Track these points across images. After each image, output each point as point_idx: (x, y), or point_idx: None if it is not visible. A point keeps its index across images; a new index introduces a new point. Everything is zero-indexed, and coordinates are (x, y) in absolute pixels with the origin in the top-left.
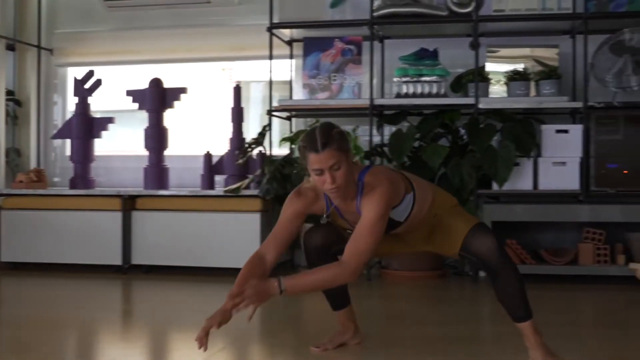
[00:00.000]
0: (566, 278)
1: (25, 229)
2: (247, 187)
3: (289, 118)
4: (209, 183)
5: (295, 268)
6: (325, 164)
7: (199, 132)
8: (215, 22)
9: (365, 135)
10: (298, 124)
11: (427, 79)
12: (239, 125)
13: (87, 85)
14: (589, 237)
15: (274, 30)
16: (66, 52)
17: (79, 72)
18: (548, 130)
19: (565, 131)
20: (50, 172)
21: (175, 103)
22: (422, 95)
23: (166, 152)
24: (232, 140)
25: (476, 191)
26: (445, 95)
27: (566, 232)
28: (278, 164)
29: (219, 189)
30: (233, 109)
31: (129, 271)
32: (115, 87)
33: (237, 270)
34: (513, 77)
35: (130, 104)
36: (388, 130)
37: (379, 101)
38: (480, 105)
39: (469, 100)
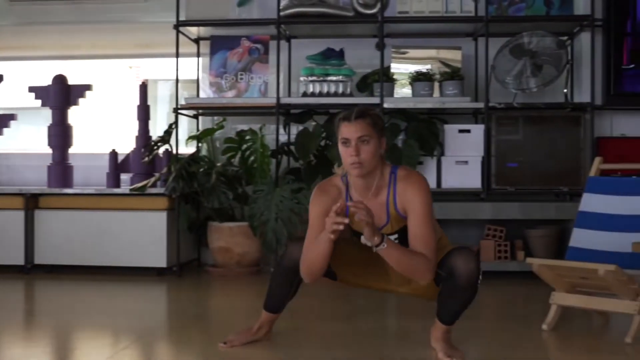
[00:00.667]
0: None
1: None
2: (154, 186)
3: (195, 116)
4: (114, 181)
5: (202, 266)
6: (355, 134)
7: (104, 130)
8: (121, 18)
9: (271, 134)
10: (205, 123)
11: (334, 78)
12: (145, 123)
13: None
14: (490, 234)
15: (181, 28)
16: None
17: None
18: (451, 130)
19: (468, 131)
20: None
21: (80, 100)
22: (328, 94)
23: (70, 150)
24: (138, 138)
25: None
26: (351, 95)
27: (469, 229)
28: (184, 162)
29: (124, 188)
30: (139, 106)
31: (31, 271)
32: (18, 83)
33: (145, 268)
34: (417, 78)
35: (33, 101)
36: (295, 129)
37: (285, 100)
38: (385, 105)
39: (375, 100)
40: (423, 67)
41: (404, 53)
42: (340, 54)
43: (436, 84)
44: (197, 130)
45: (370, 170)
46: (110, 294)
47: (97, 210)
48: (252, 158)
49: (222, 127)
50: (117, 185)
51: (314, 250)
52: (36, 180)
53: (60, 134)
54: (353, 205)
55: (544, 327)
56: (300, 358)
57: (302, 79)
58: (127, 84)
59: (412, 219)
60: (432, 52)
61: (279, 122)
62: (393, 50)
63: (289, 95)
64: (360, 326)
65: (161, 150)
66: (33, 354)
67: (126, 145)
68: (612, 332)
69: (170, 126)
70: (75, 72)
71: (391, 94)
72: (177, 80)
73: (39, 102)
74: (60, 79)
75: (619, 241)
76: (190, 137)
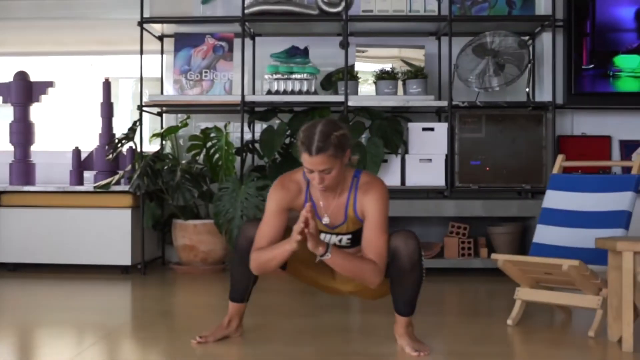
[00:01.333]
0: (432, 271)
1: None
2: (117, 183)
3: (159, 114)
4: (77, 179)
5: (166, 264)
6: (316, 167)
7: (66, 127)
8: (83, 15)
9: (236, 131)
10: (168, 120)
11: (298, 76)
12: (109, 120)
13: None
14: (454, 231)
15: (145, 25)
16: None
17: None
18: (415, 128)
19: (431, 129)
20: None
21: (42, 97)
22: (292, 92)
23: (32, 148)
24: (101, 135)
25: None
26: (315, 93)
27: (433, 227)
28: (149, 159)
29: (88, 185)
30: (102, 104)
31: None
32: None
33: (109, 267)
34: (381, 76)
35: None
36: (259, 127)
37: (250, 98)
38: (350, 103)
39: (339, 98)
40: (387, 66)
41: (367, 52)
42: (304, 52)
43: (400, 83)
44: (161, 127)
45: (337, 185)
46: (74, 292)
47: (61, 208)
48: (216, 156)
49: (186, 124)
50: (81, 183)
51: (270, 253)
52: None
53: (22, 131)
54: (306, 212)
55: (509, 322)
56: (269, 353)
57: (266, 76)
58: (88, 81)
59: (368, 225)
60: (395, 51)
61: (244, 120)
62: (357, 48)
63: (254, 93)
64: (326, 322)
65: (125, 147)
66: None
67: (89, 142)
68: (575, 327)
69: (134, 123)
70: (36, 69)
71: (355, 92)
72: (141, 78)
73: (0, 99)
74: (21, 75)
75: (582, 237)
76: (154, 135)
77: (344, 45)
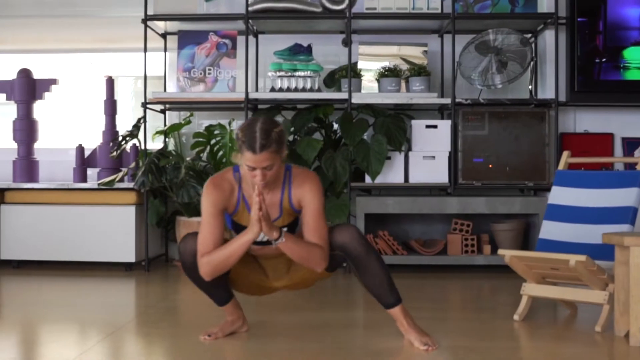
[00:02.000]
0: (436, 267)
1: None
2: (121, 180)
3: (162, 111)
4: (81, 176)
5: (169, 261)
6: (260, 164)
7: (67, 124)
8: (86, 12)
9: None
10: (171, 118)
11: (301, 74)
12: (112, 118)
13: None
14: (457, 228)
15: (148, 23)
16: None
17: None
18: (418, 125)
19: (435, 126)
20: None
21: (45, 94)
22: (296, 89)
23: (35, 145)
24: (105, 133)
25: (349, 184)
26: (319, 90)
27: (436, 224)
28: (153, 156)
29: (91, 183)
30: (106, 101)
31: None
32: None
33: (113, 263)
34: (384, 74)
35: None
36: None
37: (253, 95)
38: (354, 100)
39: (342, 95)
40: (390, 63)
41: (368, 50)
42: (308, 50)
43: (402, 80)
44: (164, 125)
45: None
46: (78, 289)
47: (64, 205)
48: (220, 153)
49: (189, 122)
50: (84, 180)
51: (226, 251)
52: (0, 175)
53: (26, 129)
54: (257, 196)
55: (516, 317)
56: (274, 349)
57: (270, 74)
58: (88, 79)
59: (308, 213)
60: (398, 49)
61: (247, 117)
62: (360, 46)
63: (257, 91)
64: (331, 317)
65: (129, 145)
66: (2, 349)
67: (90, 140)
68: (581, 322)
69: (138, 120)
70: (37, 67)
71: (359, 90)
72: (145, 75)
73: (3, 96)
74: (25, 73)
75: (588, 233)
76: (158, 132)
77: (347, 43)
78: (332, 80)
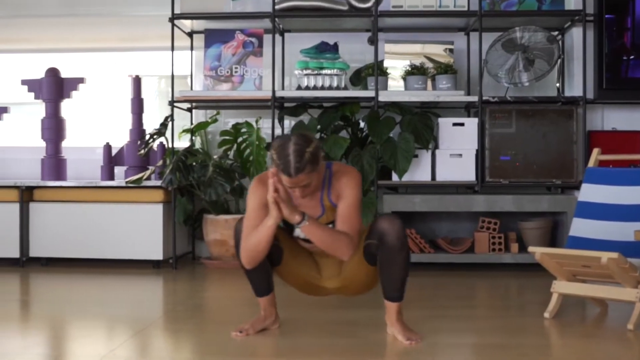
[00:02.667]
0: (463, 266)
1: None
2: (148, 179)
3: (189, 110)
4: (108, 174)
5: (196, 259)
6: (297, 185)
7: (94, 123)
8: (113, 11)
9: (266, 127)
10: (198, 116)
11: (328, 72)
12: (139, 116)
13: None
14: (485, 226)
15: (175, 22)
16: None
17: None
18: (445, 123)
19: (462, 124)
20: None
21: (73, 93)
22: (322, 88)
23: (63, 144)
24: (132, 131)
25: (377, 182)
26: (345, 88)
27: (463, 222)
28: (180, 154)
29: (118, 181)
30: (133, 100)
31: (26, 264)
32: (10, 76)
33: (140, 261)
34: (411, 72)
35: (24, 95)
36: (287, 122)
37: (280, 93)
38: (380, 98)
39: (369, 93)
40: (416, 61)
41: (393, 47)
42: (334, 48)
43: (429, 78)
44: (191, 123)
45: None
46: (107, 286)
47: (92, 203)
48: (247, 151)
49: (216, 120)
50: (111, 178)
51: (256, 237)
52: (29, 173)
53: (54, 127)
54: (271, 178)
55: (546, 315)
56: (304, 345)
57: (296, 72)
58: (113, 79)
59: (342, 204)
60: (422, 47)
61: (274, 115)
62: (386, 44)
63: (283, 89)
64: (360, 314)
65: (155, 143)
66: (31, 345)
67: (116, 138)
68: (612, 320)
69: (165, 119)
70: (63, 66)
71: (385, 88)
72: (172, 74)
73: (31, 95)
74: (52, 72)
75: (619, 230)
76: (184, 131)
77: (373, 41)
78: (358, 78)
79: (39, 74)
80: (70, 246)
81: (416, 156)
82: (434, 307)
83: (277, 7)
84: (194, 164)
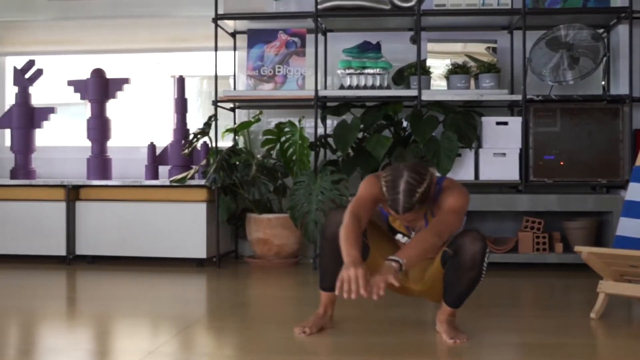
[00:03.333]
0: (507, 265)
1: None
2: (192, 178)
3: (232, 109)
4: (152, 174)
5: (239, 258)
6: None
7: (136, 123)
8: (157, 12)
9: (308, 126)
10: (240, 116)
11: (370, 71)
12: (183, 116)
13: (27, 75)
14: (529, 225)
15: (218, 22)
16: (4, 41)
17: (18, 62)
18: (488, 122)
19: (505, 123)
20: None
21: (118, 94)
22: (365, 87)
23: (108, 143)
24: (175, 131)
25: None
26: (388, 88)
27: (506, 221)
28: (224, 154)
29: (162, 180)
30: (177, 100)
31: (73, 262)
32: (55, 77)
33: (184, 259)
34: (454, 71)
35: (70, 96)
36: (330, 122)
37: (323, 92)
38: (423, 98)
39: (412, 92)
40: (458, 60)
41: (436, 46)
42: (377, 47)
43: (471, 77)
44: (234, 123)
45: None
46: (151, 284)
47: (137, 201)
48: (291, 150)
49: (259, 120)
50: (156, 178)
51: (343, 244)
52: (74, 173)
53: (99, 127)
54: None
55: (592, 315)
56: (362, 344)
57: (339, 71)
58: (155, 79)
59: (440, 209)
60: (463, 46)
61: (317, 114)
62: (429, 43)
63: (325, 88)
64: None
65: (199, 143)
66: (77, 341)
67: (159, 138)
68: None
69: (209, 118)
70: (105, 67)
71: (427, 87)
72: (216, 74)
73: (75, 97)
74: (98, 73)
75: None
76: (227, 130)
77: (415, 40)
78: (400, 77)
79: (84, 74)
80: (115, 244)
81: (459, 155)
82: (478, 307)
83: (319, 6)
84: (237, 163)
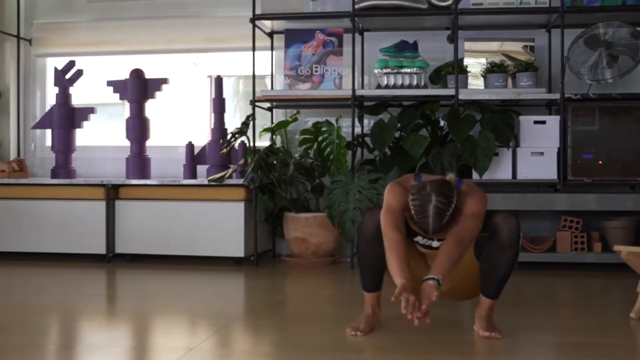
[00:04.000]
0: (544, 265)
1: (8, 218)
2: (230, 177)
3: (270, 109)
4: (191, 173)
5: (277, 257)
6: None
7: (173, 123)
8: (194, 13)
9: (345, 126)
10: (277, 115)
11: (407, 70)
12: (221, 116)
13: (67, 76)
14: (567, 225)
15: (256, 22)
16: (45, 43)
17: (58, 63)
18: (526, 121)
19: (543, 122)
20: (30, 163)
21: (157, 94)
22: (402, 86)
23: (147, 143)
24: (213, 130)
25: None
26: (425, 87)
27: (544, 221)
28: (262, 153)
29: (200, 179)
30: (214, 99)
31: (112, 260)
32: (94, 78)
33: (222, 258)
34: (491, 70)
35: (108, 97)
36: (367, 121)
37: (360, 92)
38: (460, 97)
39: (449, 92)
40: (496, 59)
41: (471, 46)
42: (414, 46)
43: (509, 76)
44: (271, 122)
45: None
46: (190, 282)
47: (175, 200)
48: (328, 149)
49: (296, 119)
50: (194, 177)
51: (389, 258)
52: (114, 172)
53: (138, 127)
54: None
55: (632, 315)
56: (385, 341)
57: (376, 71)
58: (193, 80)
59: (461, 217)
60: (500, 45)
61: (354, 114)
62: (466, 42)
63: (363, 88)
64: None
65: (237, 142)
66: (116, 338)
67: (197, 137)
68: None
69: (247, 118)
70: (143, 67)
71: (465, 86)
72: (253, 74)
73: (114, 98)
74: (137, 73)
75: None
76: (265, 130)
77: (452, 39)
78: (437, 76)
79: (123, 75)
80: (154, 243)
81: (497, 154)
82: (515, 306)
83: (356, 6)
84: (275, 162)
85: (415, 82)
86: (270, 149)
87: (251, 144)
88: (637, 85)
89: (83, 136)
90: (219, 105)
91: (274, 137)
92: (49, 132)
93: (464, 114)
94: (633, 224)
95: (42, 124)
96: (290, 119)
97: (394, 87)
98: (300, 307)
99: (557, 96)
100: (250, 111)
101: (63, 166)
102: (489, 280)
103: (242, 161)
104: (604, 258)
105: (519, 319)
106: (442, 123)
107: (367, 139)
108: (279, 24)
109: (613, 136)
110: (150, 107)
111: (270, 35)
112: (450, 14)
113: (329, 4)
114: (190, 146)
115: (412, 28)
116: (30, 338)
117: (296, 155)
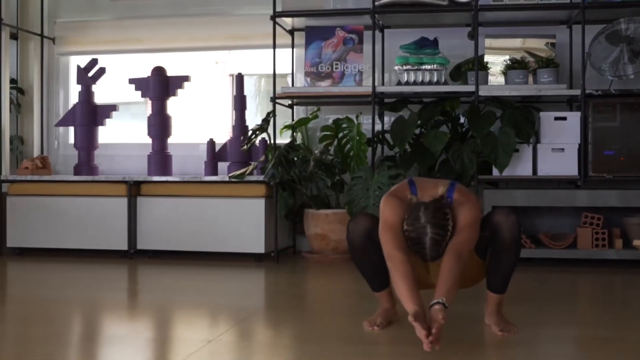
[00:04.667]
0: (565, 261)
1: (31, 215)
2: (251, 173)
3: (290, 106)
4: (212, 170)
5: (297, 253)
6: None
7: (194, 120)
8: (216, 11)
9: (366, 122)
10: (297, 113)
11: (428, 67)
12: (242, 113)
13: (90, 74)
14: (588, 221)
15: (277, 19)
16: (68, 41)
17: (81, 61)
18: (547, 117)
19: (564, 118)
20: (53, 160)
21: (178, 91)
22: (422, 83)
23: (169, 140)
24: (234, 128)
25: (477, 177)
26: (445, 83)
27: (565, 217)
28: (282, 149)
29: (221, 176)
30: (235, 97)
31: (134, 256)
32: (116, 76)
33: (243, 254)
34: (512, 66)
35: (131, 95)
36: (388, 118)
37: (380, 89)
38: (481, 93)
39: (470, 88)
40: (516, 56)
41: (492, 43)
42: (434, 43)
43: (529, 73)
44: (292, 119)
45: None
46: (210, 278)
47: (197, 197)
48: (348, 146)
49: (316, 116)
50: (215, 174)
51: (396, 280)
52: (136, 169)
53: (160, 124)
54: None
55: None
56: (398, 334)
57: (396, 67)
58: (214, 78)
59: (458, 225)
60: (522, 41)
61: (375, 110)
62: (486, 39)
63: (383, 84)
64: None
65: (257, 139)
66: (138, 331)
67: (217, 135)
68: None
69: (268, 115)
70: (166, 65)
71: (485, 82)
72: (274, 71)
73: (136, 96)
74: (159, 71)
75: None
76: (286, 127)
77: (473, 36)
78: (458, 73)
79: (144, 73)
80: (175, 239)
81: (517, 151)
82: (535, 301)
83: (377, 3)
84: (296, 159)
85: (435, 79)
86: (291, 146)
87: (272, 141)
88: None
89: (105, 134)
90: (240, 102)
91: (294, 134)
92: (71, 129)
93: (484, 111)
94: None
95: (65, 122)
96: (310, 116)
97: (414, 83)
98: (319, 301)
99: (578, 92)
100: (271, 108)
101: (85, 163)
102: (496, 277)
103: (262, 158)
104: (625, 255)
105: (538, 314)
106: (462, 119)
107: (387, 136)
108: (300, 22)
109: (634, 132)
110: (172, 105)
111: (291, 32)
112: (470, 11)
113: (349, 1)
114: (211, 143)
115: (433, 25)
116: (54, 329)
117: (316, 151)
